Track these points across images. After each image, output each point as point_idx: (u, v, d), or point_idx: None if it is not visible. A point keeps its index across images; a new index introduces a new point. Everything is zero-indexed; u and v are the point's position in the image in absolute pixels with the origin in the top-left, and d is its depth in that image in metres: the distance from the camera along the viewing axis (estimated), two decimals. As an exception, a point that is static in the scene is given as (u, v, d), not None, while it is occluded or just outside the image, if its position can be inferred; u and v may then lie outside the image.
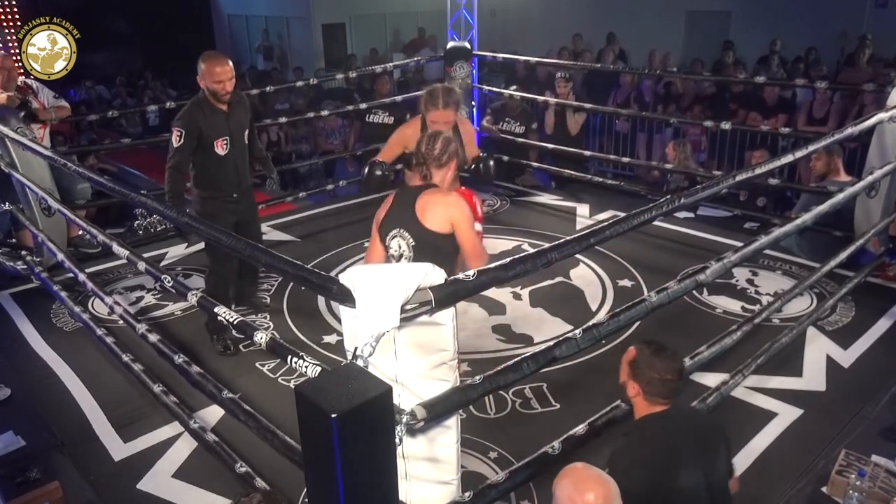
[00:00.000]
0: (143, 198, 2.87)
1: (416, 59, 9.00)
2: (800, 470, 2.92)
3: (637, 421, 2.26)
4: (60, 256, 4.02)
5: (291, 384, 3.55)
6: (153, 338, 3.15)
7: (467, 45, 6.60)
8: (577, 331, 2.28)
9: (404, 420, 1.77)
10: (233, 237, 2.30)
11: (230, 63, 3.74)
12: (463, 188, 3.24)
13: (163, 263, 5.02)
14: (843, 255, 3.95)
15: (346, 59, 12.21)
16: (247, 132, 3.95)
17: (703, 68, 8.55)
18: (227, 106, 3.79)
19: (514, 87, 7.12)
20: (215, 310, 2.33)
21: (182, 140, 3.68)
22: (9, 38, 8.68)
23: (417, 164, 2.92)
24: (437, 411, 1.90)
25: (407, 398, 1.93)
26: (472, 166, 3.68)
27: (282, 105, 8.74)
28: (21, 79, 4.75)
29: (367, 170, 3.58)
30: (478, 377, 2.04)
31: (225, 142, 3.80)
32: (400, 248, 2.84)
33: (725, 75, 8.10)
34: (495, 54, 7.45)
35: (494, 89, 7.08)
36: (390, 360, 1.92)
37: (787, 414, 3.29)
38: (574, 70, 8.02)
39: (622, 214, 2.47)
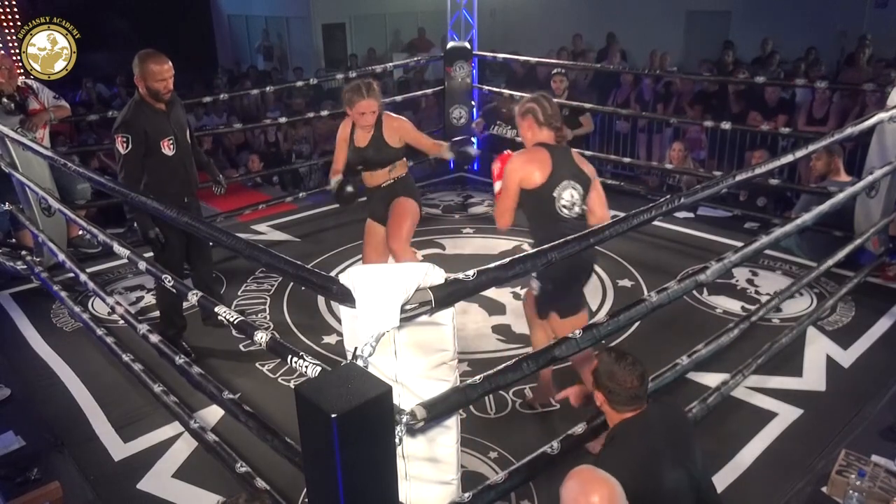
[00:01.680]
0: (143, 198, 2.87)
1: (416, 58, 9.01)
2: (800, 470, 2.92)
3: (612, 429, 2.27)
4: (61, 256, 4.02)
5: (291, 384, 3.55)
6: (154, 338, 3.15)
7: (467, 45, 6.61)
8: (576, 331, 2.28)
9: (404, 420, 1.77)
10: (233, 237, 2.30)
11: (169, 61, 3.62)
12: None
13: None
14: (842, 254, 3.95)
15: (346, 59, 12.23)
16: (188, 132, 3.85)
17: (705, 68, 8.53)
18: (166, 105, 3.66)
19: (503, 86, 7.11)
20: (215, 309, 2.33)
21: (129, 146, 3.53)
22: (9, 38, 8.69)
23: (550, 126, 3.05)
24: (437, 411, 1.90)
25: (407, 398, 1.93)
26: (454, 157, 3.99)
27: (272, 113, 8.70)
28: (21, 79, 4.75)
29: (336, 188, 3.70)
30: (478, 377, 2.04)
31: (171, 141, 3.67)
32: (572, 197, 3.03)
33: (726, 75, 8.09)
34: (495, 54, 7.45)
35: (494, 89, 7.08)
36: (390, 360, 1.92)
37: (787, 414, 3.29)
38: (575, 69, 8.03)
39: (622, 214, 2.47)
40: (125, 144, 3.55)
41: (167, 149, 3.66)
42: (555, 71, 6.49)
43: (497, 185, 3.09)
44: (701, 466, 2.20)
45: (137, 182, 3.62)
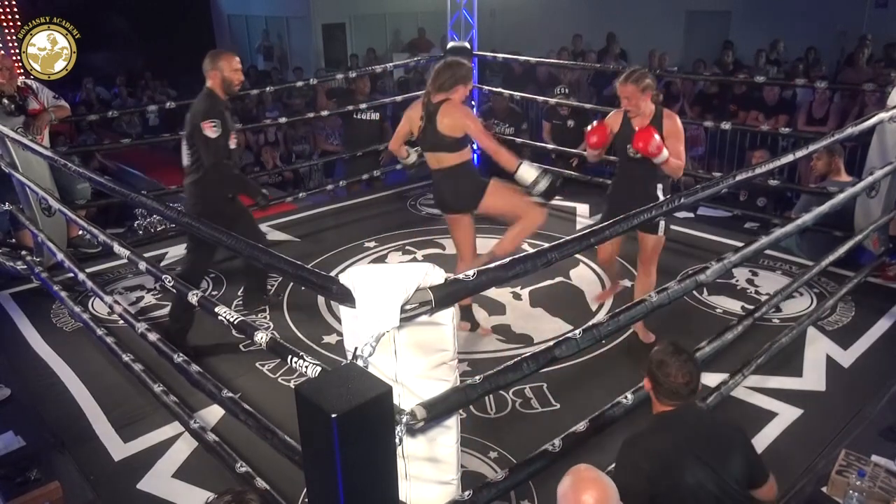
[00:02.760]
0: (143, 198, 2.87)
1: (416, 58, 9.00)
2: (800, 470, 2.92)
3: (651, 416, 2.29)
4: (60, 256, 4.02)
5: (291, 384, 3.55)
6: (153, 337, 3.15)
7: (467, 45, 6.60)
8: (577, 331, 2.28)
9: (404, 420, 1.77)
10: (233, 238, 2.30)
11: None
12: None
13: (163, 263, 5.02)
14: (842, 251, 3.94)
15: (346, 59, 12.22)
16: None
17: (706, 68, 8.54)
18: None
19: (500, 86, 7.12)
20: (216, 310, 2.33)
21: (220, 129, 3.68)
22: (9, 38, 8.69)
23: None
24: (437, 411, 1.90)
25: (407, 398, 1.93)
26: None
27: (271, 113, 8.68)
28: (21, 79, 4.75)
29: (548, 182, 3.65)
30: (478, 377, 2.04)
31: (234, 135, 3.85)
32: None
33: (726, 75, 8.10)
34: (495, 54, 7.45)
35: (494, 89, 7.08)
36: (390, 360, 1.92)
37: (787, 414, 3.29)
38: (575, 69, 8.03)
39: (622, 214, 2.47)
40: (215, 129, 3.67)
41: (232, 142, 3.83)
42: (558, 90, 6.53)
43: (663, 155, 3.47)
44: (735, 480, 2.17)
45: (229, 165, 3.80)
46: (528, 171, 3.67)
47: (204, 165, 3.77)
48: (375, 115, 6.55)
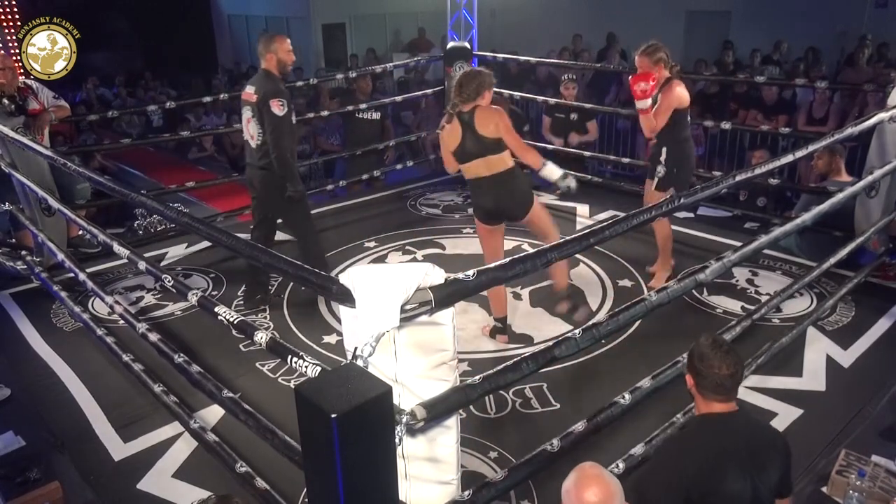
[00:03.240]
0: (143, 198, 2.87)
1: (416, 58, 9.01)
2: (800, 470, 2.92)
3: (696, 416, 2.23)
4: (61, 256, 4.02)
5: (291, 384, 3.55)
6: (153, 337, 3.15)
7: (467, 45, 6.61)
8: (576, 331, 2.28)
9: (404, 420, 1.77)
10: (233, 238, 2.30)
11: None
12: None
13: (163, 263, 5.03)
14: (843, 253, 3.94)
15: (346, 59, 12.22)
16: None
17: (706, 69, 8.54)
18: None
19: (499, 86, 7.10)
20: (215, 309, 2.33)
21: (286, 108, 3.89)
22: (9, 38, 8.69)
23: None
24: (437, 411, 1.90)
25: (407, 398, 1.93)
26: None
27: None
28: (21, 79, 4.75)
29: (573, 179, 3.82)
30: (478, 377, 2.04)
31: (293, 112, 4.07)
32: None
33: (726, 75, 8.10)
34: (495, 54, 7.45)
35: (494, 89, 7.08)
36: (390, 360, 1.92)
37: (787, 414, 3.29)
38: (577, 69, 8.01)
39: (622, 214, 2.47)
40: (282, 107, 3.88)
41: (293, 117, 4.06)
42: (565, 77, 6.51)
43: (643, 102, 4.09)
44: (770, 490, 2.13)
45: (292, 141, 4.04)
46: (554, 168, 3.81)
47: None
48: (377, 115, 6.56)
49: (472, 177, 3.82)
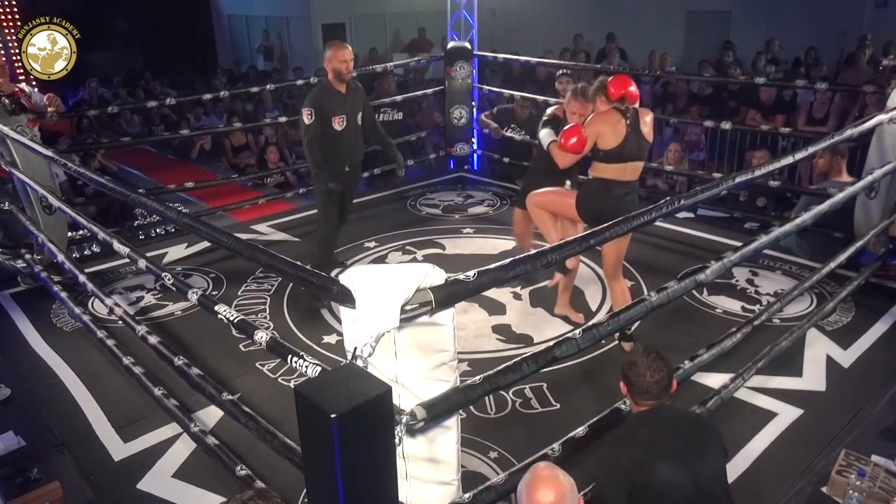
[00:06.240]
0: (143, 198, 2.87)
1: (416, 58, 9.00)
2: (800, 470, 2.92)
3: (629, 416, 2.36)
4: (61, 258, 4.02)
5: (291, 384, 3.55)
6: (153, 340, 3.15)
7: (467, 45, 6.60)
8: (577, 331, 2.29)
9: (404, 420, 1.77)
10: (233, 238, 2.30)
11: (350, 48, 4.39)
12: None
13: (163, 263, 5.02)
14: (844, 257, 3.94)
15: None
16: (360, 114, 4.49)
17: (707, 69, 8.53)
18: (346, 88, 4.35)
19: (500, 85, 7.11)
20: (215, 308, 2.33)
21: (312, 117, 4.23)
22: (9, 38, 8.68)
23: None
24: (437, 411, 1.90)
25: (407, 398, 1.93)
26: None
27: (271, 114, 8.68)
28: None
29: None
30: (478, 377, 2.04)
31: (341, 119, 4.34)
32: None
33: (726, 75, 8.09)
34: (495, 54, 7.44)
35: (495, 89, 7.08)
36: (390, 361, 1.92)
37: (788, 414, 3.29)
38: (576, 70, 8.00)
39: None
40: (309, 116, 4.24)
41: (337, 125, 4.35)
42: (560, 72, 6.49)
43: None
44: (712, 475, 2.19)
45: (319, 147, 4.30)
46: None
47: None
48: (398, 115, 6.58)
49: (628, 179, 3.66)
